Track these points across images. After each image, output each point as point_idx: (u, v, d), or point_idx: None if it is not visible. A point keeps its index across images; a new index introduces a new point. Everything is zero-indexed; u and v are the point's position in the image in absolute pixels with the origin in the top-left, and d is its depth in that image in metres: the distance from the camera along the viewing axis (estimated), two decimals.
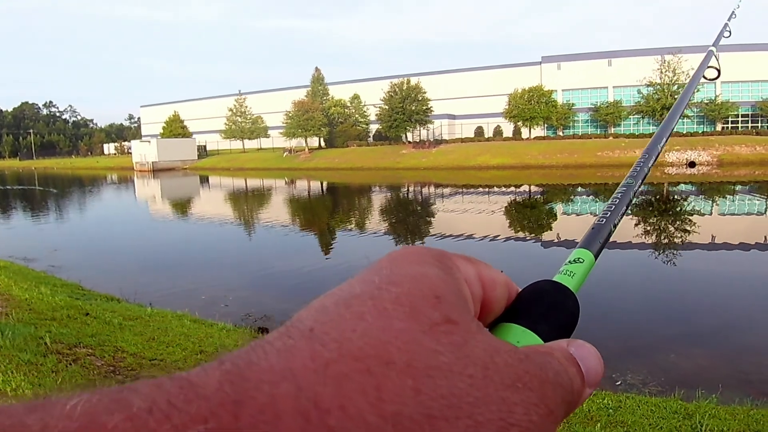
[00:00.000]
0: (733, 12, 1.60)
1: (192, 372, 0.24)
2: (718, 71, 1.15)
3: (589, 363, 0.33)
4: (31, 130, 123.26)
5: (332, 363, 0.24)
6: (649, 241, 15.09)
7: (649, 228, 17.38)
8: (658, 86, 52.12)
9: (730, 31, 1.38)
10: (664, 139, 0.70)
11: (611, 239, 0.47)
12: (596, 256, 0.49)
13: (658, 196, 26.39)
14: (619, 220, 0.55)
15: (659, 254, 13.29)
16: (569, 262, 0.47)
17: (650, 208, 22.04)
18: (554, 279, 0.43)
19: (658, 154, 0.68)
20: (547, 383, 0.29)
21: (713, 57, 1.16)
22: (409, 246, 0.35)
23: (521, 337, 0.35)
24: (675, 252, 13.44)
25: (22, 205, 33.87)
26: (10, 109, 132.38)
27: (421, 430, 0.23)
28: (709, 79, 1.15)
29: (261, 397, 0.22)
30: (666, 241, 15.37)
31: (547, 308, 0.38)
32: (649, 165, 0.66)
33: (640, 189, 0.63)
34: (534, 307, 0.38)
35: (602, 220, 0.53)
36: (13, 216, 27.88)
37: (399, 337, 0.26)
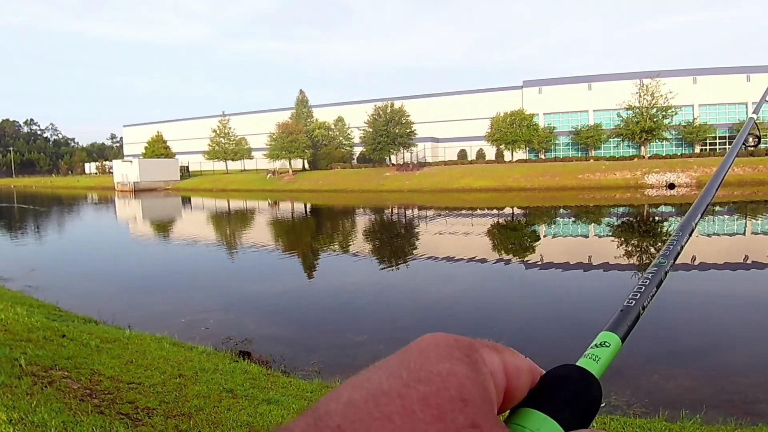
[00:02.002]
0: None
1: None
2: (759, 138, 1.15)
3: None
4: (11, 148, 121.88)
5: None
6: (630, 262, 15.20)
7: (630, 249, 17.53)
8: (637, 109, 53.02)
9: None
10: (698, 216, 0.68)
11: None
12: (623, 340, 0.47)
13: (638, 218, 26.68)
14: (649, 302, 0.53)
15: (640, 274, 13.37)
16: (595, 345, 0.45)
17: (630, 230, 22.26)
18: (578, 363, 0.42)
19: (692, 231, 0.66)
20: None
21: (754, 124, 1.16)
22: (437, 335, 0.35)
23: (542, 424, 0.35)
24: None
25: (0, 223, 33.29)
26: None
27: None
28: (749, 146, 1.15)
29: None
30: (647, 261, 15.49)
31: (570, 396, 0.37)
32: (683, 243, 0.64)
33: (671, 269, 0.60)
34: (557, 393, 0.37)
35: (631, 302, 0.51)
36: None
37: None
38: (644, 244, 18.46)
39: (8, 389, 4.38)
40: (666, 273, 0.58)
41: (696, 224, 0.67)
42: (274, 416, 4.45)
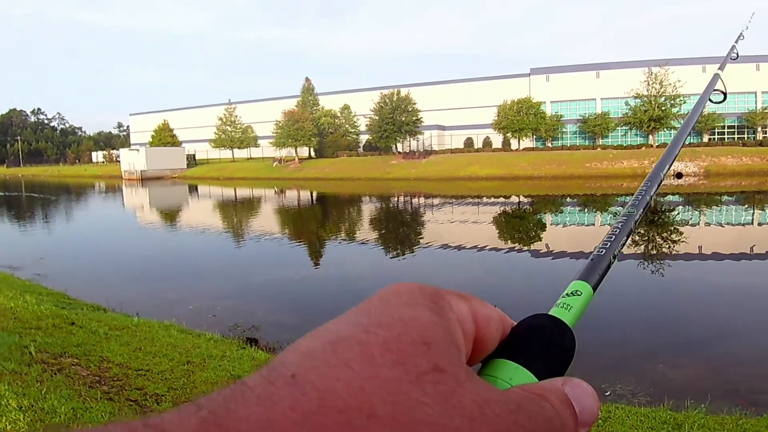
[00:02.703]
0: (741, 34, 1.59)
1: (167, 417, 0.23)
2: (724, 94, 1.14)
3: (584, 403, 0.32)
4: (18, 137, 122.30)
5: (313, 414, 0.24)
6: (637, 252, 15.16)
7: (636, 238, 17.47)
8: (645, 98, 52.64)
9: (737, 54, 1.37)
10: (667, 167, 0.69)
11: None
12: (595, 288, 0.47)
13: (645, 207, 26.54)
14: (620, 251, 0.53)
15: (647, 264, 13.36)
16: (566, 294, 0.45)
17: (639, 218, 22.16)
18: (550, 313, 0.42)
19: (660, 182, 0.67)
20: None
21: (719, 80, 1.15)
22: (400, 284, 0.33)
23: (514, 374, 0.34)
24: (662, 262, 13.52)
25: (9, 212, 33.52)
26: None
27: None
28: (716, 102, 1.14)
29: None
30: (654, 251, 15.46)
31: (543, 345, 0.37)
32: (651, 193, 0.64)
33: (641, 218, 0.60)
34: (529, 343, 0.37)
35: (602, 251, 0.51)
36: None
37: (384, 388, 0.25)
38: (651, 233, 18.40)
39: (18, 376, 4.44)
40: (636, 223, 0.58)
41: (664, 175, 0.67)
42: None
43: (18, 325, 6.28)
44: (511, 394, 0.29)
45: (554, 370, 0.35)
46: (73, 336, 6.09)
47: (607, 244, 0.52)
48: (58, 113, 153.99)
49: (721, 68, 1.21)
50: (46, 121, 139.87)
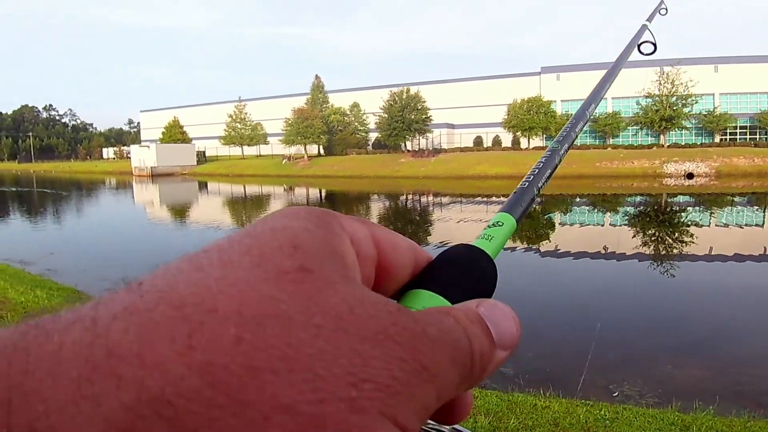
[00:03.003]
0: None
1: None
2: (654, 45, 1.13)
3: (501, 324, 0.31)
4: (30, 133, 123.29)
5: (143, 311, 0.22)
6: (647, 252, 15.08)
7: (646, 239, 17.38)
8: (657, 98, 52.30)
9: (666, 8, 1.35)
10: (593, 106, 0.68)
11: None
12: (518, 221, 0.46)
13: (656, 207, 26.43)
14: (544, 184, 0.53)
15: (657, 265, 13.29)
16: (489, 226, 0.44)
17: (647, 219, 22.07)
18: (472, 243, 0.41)
19: (586, 121, 0.66)
20: (422, 338, 0.25)
21: (647, 31, 1.14)
22: (292, 207, 0.31)
23: (428, 302, 0.33)
24: (672, 263, 13.44)
25: (20, 207, 33.80)
26: (9, 112, 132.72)
27: (238, 383, 0.20)
28: (646, 54, 1.14)
29: (48, 345, 0.20)
30: (663, 251, 15.37)
31: (459, 272, 0.36)
32: (577, 131, 0.63)
33: (566, 154, 0.60)
34: (445, 271, 0.36)
35: (525, 184, 0.51)
36: (10, 218, 27.81)
37: (235, 286, 0.23)
38: (660, 233, 18.30)
39: None
40: (560, 158, 0.57)
41: (590, 114, 0.66)
42: None
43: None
44: (401, 306, 0.27)
45: (472, 296, 0.34)
46: None
47: (530, 178, 0.52)
48: (70, 110, 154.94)
49: (649, 20, 1.19)
50: (57, 118, 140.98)
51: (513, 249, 15.89)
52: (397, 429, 0.22)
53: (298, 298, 0.23)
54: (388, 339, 0.24)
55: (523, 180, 0.52)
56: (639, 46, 1.12)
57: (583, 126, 0.65)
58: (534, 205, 0.44)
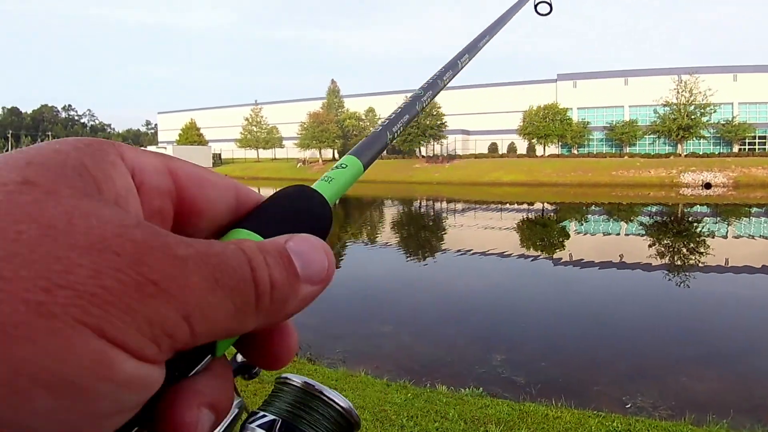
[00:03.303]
0: None
1: None
2: (550, 6, 1.09)
3: (308, 257, 0.30)
4: (49, 133, 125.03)
5: None
6: (662, 262, 14.93)
7: (662, 248, 17.21)
8: (675, 106, 51.88)
9: None
10: (467, 56, 0.65)
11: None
12: (366, 166, 0.44)
13: (672, 217, 26.17)
14: (400, 130, 0.50)
15: (672, 275, 13.15)
16: (333, 168, 0.42)
17: (664, 229, 21.86)
18: (312, 186, 0.39)
19: (457, 71, 0.63)
20: (157, 253, 0.23)
21: None
22: None
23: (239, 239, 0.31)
24: (688, 273, 13.29)
25: None
26: (29, 111, 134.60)
27: None
28: (542, 14, 1.09)
29: None
30: (679, 261, 15.21)
31: (281, 211, 0.35)
32: (445, 79, 0.60)
33: (429, 102, 0.56)
34: (268, 210, 0.35)
35: (379, 128, 0.48)
36: None
37: None
38: (677, 244, 18.11)
39: None
40: (423, 106, 0.54)
41: (463, 65, 0.63)
42: None
43: None
44: (147, 224, 0.25)
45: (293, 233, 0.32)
46: None
47: (386, 122, 0.49)
48: (89, 110, 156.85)
49: None
50: (76, 118, 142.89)
51: (528, 257, 15.81)
52: (104, 340, 0.21)
53: (6, 206, 0.22)
54: (107, 250, 0.22)
55: (379, 124, 0.49)
56: (536, 6, 1.07)
57: (453, 75, 0.61)
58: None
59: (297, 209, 0.35)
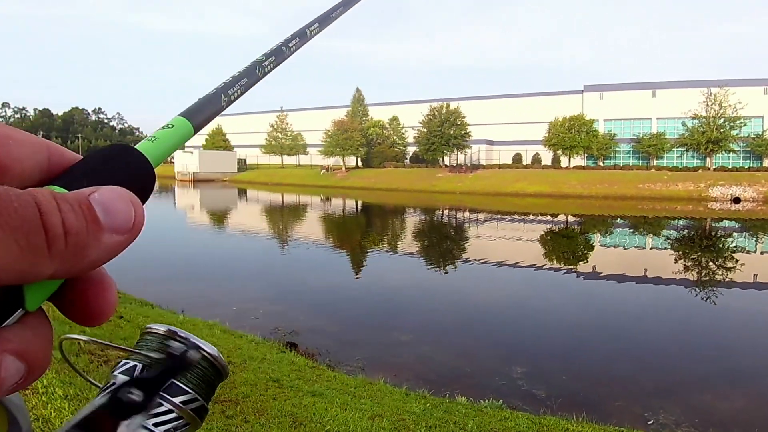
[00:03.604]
0: None
1: None
2: None
3: (111, 206, 0.30)
4: (79, 135, 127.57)
5: None
6: (689, 277, 14.68)
7: (689, 263, 16.92)
8: (704, 119, 51.06)
9: None
10: (317, 26, 0.63)
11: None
12: (197, 128, 0.43)
13: (699, 232, 25.71)
14: (237, 95, 0.49)
15: (698, 290, 12.91)
16: (161, 127, 0.41)
17: (691, 244, 21.48)
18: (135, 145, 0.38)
19: (306, 41, 0.61)
20: None
21: None
22: None
23: None
24: (715, 289, 13.04)
25: None
26: (60, 113, 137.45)
27: None
28: None
29: None
30: (706, 277, 14.94)
31: (93, 167, 0.34)
32: (291, 46, 0.58)
33: (272, 69, 0.55)
34: (80, 167, 0.34)
35: (214, 90, 0.47)
36: None
37: None
38: (704, 259, 17.79)
39: (66, 366, 4.59)
40: (264, 72, 0.53)
41: (314, 33, 0.62)
42: (317, 408, 4.52)
43: None
44: None
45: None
46: (120, 329, 6.29)
47: (221, 85, 0.48)
48: (118, 113, 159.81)
49: None
50: (105, 120, 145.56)
51: (550, 269, 15.66)
52: None
53: None
54: None
55: (215, 87, 0.48)
56: None
57: (301, 44, 0.60)
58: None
59: (111, 166, 0.35)
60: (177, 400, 0.35)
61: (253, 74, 0.52)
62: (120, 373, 0.32)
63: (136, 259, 16.08)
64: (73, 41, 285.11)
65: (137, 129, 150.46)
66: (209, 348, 0.35)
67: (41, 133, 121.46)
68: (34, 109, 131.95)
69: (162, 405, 0.34)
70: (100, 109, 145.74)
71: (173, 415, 0.35)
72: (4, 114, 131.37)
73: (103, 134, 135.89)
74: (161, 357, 0.34)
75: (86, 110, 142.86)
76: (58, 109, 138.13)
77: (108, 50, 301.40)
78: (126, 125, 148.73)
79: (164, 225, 26.92)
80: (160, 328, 0.36)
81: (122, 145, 0.37)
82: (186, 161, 70.02)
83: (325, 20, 0.65)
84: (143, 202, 0.34)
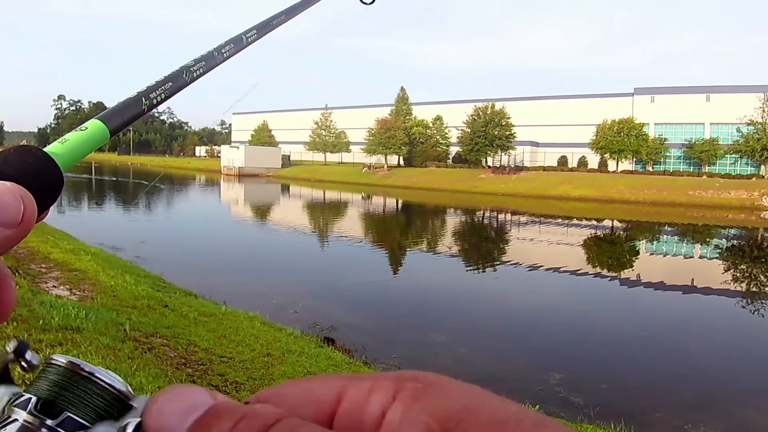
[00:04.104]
0: None
1: None
2: None
3: None
4: (130, 128, 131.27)
5: None
6: (737, 288, 14.20)
7: (737, 274, 16.36)
8: (760, 125, 49.19)
9: None
10: (255, 33, 0.61)
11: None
12: (114, 131, 0.44)
13: (751, 242, 24.81)
14: (159, 100, 0.49)
15: (746, 302, 12.48)
16: (74, 130, 0.41)
17: (741, 253, 20.75)
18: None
19: (242, 48, 0.60)
20: None
21: None
22: None
23: None
24: (764, 302, 12.58)
25: (116, 196, 36.06)
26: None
27: None
28: (366, 3, 1.05)
29: None
30: (755, 289, 14.42)
31: None
32: (224, 52, 0.57)
33: (201, 75, 0.54)
34: None
35: (135, 94, 0.47)
36: (106, 206, 29.71)
37: None
38: (754, 270, 17.17)
39: (112, 351, 4.77)
40: (192, 77, 0.53)
41: (251, 40, 0.60)
42: None
43: (116, 302, 6.76)
44: None
45: None
46: (165, 318, 6.48)
47: (144, 89, 0.47)
48: (168, 108, 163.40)
49: None
50: (156, 115, 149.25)
51: (593, 275, 15.38)
52: None
53: None
54: None
55: (138, 91, 0.48)
56: None
57: (236, 51, 0.59)
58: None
59: (7, 164, 0.34)
60: None
61: (179, 79, 0.51)
62: (15, 406, 0.32)
63: (183, 249, 16.52)
64: (132, 38, 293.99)
65: (186, 123, 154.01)
66: (113, 380, 0.34)
67: None
68: (89, 102, 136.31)
69: None
70: None
71: None
72: (60, 106, 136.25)
73: (153, 127, 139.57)
74: (62, 391, 0.33)
75: None
76: (111, 102, 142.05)
77: (166, 47, 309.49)
78: (176, 119, 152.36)
79: (209, 218, 27.53)
80: (61, 360, 0.34)
81: (24, 146, 0.36)
82: (232, 156, 71.39)
83: (264, 28, 0.64)
84: (51, 202, 0.34)
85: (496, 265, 16.67)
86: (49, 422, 0.28)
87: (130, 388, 0.33)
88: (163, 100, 0.49)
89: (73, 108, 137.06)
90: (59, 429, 0.30)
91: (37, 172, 0.35)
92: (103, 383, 0.31)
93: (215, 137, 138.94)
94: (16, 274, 7.32)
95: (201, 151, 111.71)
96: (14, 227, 0.31)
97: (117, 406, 0.32)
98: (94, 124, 0.42)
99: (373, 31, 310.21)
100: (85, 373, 0.31)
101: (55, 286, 7.30)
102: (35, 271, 8.04)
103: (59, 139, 0.39)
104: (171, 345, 5.46)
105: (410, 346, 8.30)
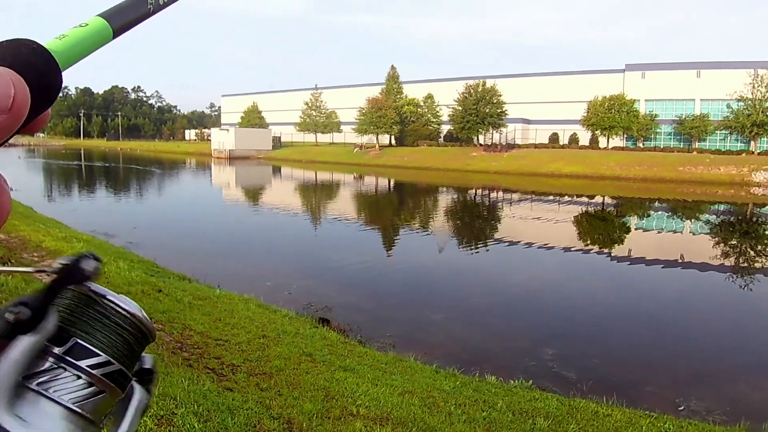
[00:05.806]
0: None
1: None
2: None
3: None
4: (119, 113, 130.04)
5: None
6: (727, 264, 14.35)
7: (727, 249, 16.53)
8: (750, 101, 49.29)
9: None
10: None
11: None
12: (117, 31, 0.41)
13: (740, 217, 25.03)
14: (166, 2, 0.46)
15: (736, 277, 12.63)
16: (76, 26, 0.39)
17: (731, 229, 20.95)
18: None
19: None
20: None
21: None
22: None
23: None
24: (754, 276, 12.74)
25: (107, 182, 35.84)
26: (101, 92, 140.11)
27: None
28: None
29: None
30: (745, 264, 14.59)
31: None
32: None
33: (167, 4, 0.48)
34: None
35: None
36: (96, 192, 29.52)
37: None
38: (744, 245, 17.34)
39: None
40: (154, 10, 0.45)
41: None
42: (349, 383, 4.63)
43: (110, 288, 6.71)
44: None
45: None
46: (159, 303, 6.49)
47: None
48: (156, 92, 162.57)
49: None
50: (144, 99, 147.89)
51: (585, 251, 15.49)
52: None
53: None
54: None
55: None
56: None
57: None
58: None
59: (9, 58, 0.33)
60: (84, 363, 0.31)
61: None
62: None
63: (176, 233, 16.49)
64: None
65: (175, 107, 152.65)
66: (120, 299, 0.29)
67: (83, 111, 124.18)
68: (76, 88, 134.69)
69: (65, 371, 0.29)
70: (139, 87, 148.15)
71: (80, 381, 0.30)
72: None
73: (142, 112, 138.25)
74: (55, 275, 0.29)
75: (126, 89, 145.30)
76: (99, 88, 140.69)
77: (147, 29, 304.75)
78: (164, 103, 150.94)
79: (201, 202, 27.44)
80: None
81: (18, 38, 0.35)
82: (222, 138, 70.99)
83: None
84: (47, 102, 0.33)
85: (490, 243, 16.76)
86: (56, 350, 0.24)
87: (147, 318, 0.28)
88: (170, 2, 0.46)
89: (60, 94, 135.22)
90: (66, 357, 0.27)
91: (28, 60, 0.33)
92: (115, 306, 0.27)
93: (205, 120, 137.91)
94: (9, 263, 7.30)
95: (191, 134, 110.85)
96: (4, 113, 0.30)
97: (134, 334, 0.27)
98: (95, 20, 0.39)
99: (360, 8, 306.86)
100: (95, 295, 0.27)
101: (48, 275, 7.26)
102: (28, 260, 8.01)
103: (57, 35, 0.37)
104: (166, 330, 5.48)
105: (405, 324, 8.37)
